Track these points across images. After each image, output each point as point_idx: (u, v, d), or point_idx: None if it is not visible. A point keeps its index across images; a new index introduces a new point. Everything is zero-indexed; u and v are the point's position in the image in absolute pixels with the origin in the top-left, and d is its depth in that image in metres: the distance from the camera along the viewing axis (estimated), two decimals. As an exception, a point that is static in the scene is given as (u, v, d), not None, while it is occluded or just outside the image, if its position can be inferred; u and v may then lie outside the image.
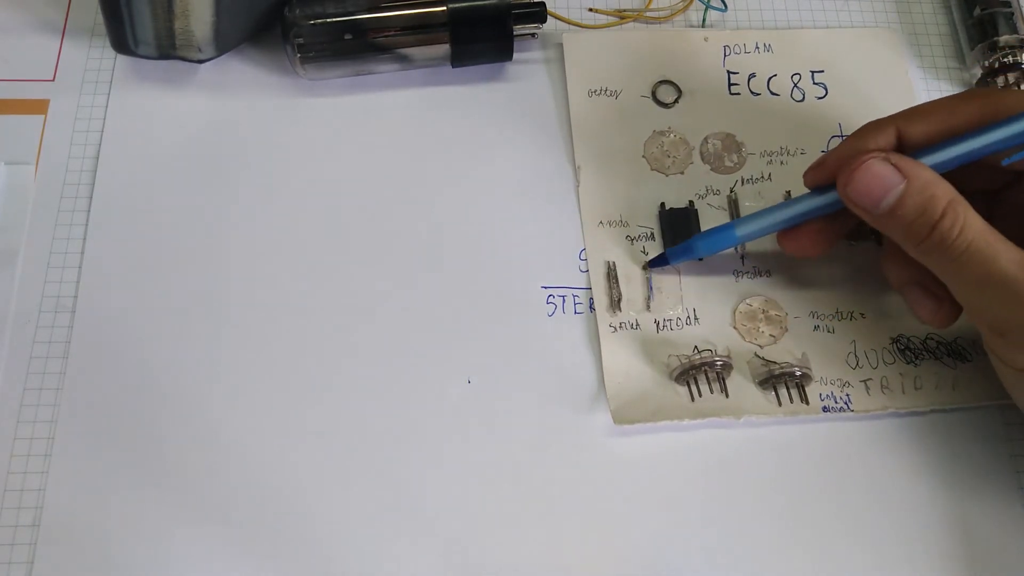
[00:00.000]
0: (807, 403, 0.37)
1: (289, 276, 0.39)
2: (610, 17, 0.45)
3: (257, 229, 0.39)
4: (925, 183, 0.31)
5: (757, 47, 0.44)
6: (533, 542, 0.35)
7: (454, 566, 0.34)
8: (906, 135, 0.33)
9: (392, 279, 0.39)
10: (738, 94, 0.43)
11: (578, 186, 0.41)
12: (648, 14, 0.45)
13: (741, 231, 0.36)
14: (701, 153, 0.41)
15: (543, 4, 0.41)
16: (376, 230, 0.40)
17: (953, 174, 0.32)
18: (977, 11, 0.43)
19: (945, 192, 0.31)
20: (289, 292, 0.38)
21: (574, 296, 0.39)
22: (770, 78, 0.43)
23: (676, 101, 0.43)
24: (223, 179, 0.40)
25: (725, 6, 0.45)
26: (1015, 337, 0.31)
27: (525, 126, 0.42)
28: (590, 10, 0.45)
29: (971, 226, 0.30)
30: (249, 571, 0.34)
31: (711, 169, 0.41)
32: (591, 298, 0.38)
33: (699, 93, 0.43)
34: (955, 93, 0.33)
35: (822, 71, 0.44)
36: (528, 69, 0.43)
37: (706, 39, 0.44)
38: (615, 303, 0.38)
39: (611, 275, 0.39)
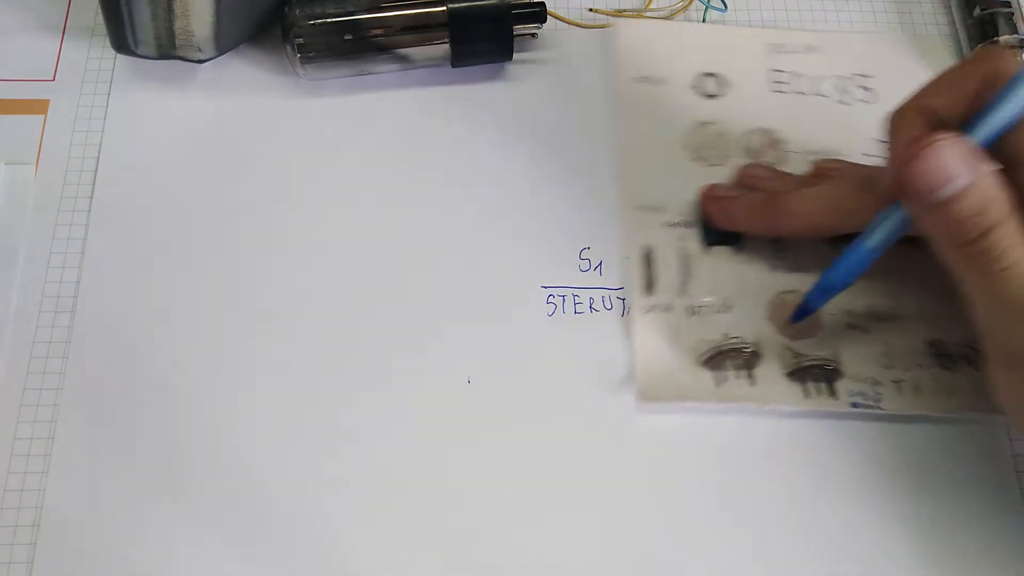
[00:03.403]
0: (835, 397, 0.37)
1: (289, 276, 0.39)
2: (609, 17, 0.45)
3: (257, 229, 0.39)
4: (991, 184, 0.28)
5: (804, 47, 0.44)
6: (542, 540, 0.35)
7: (454, 566, 0.34)
8: (936, 110, 0.31)
9: (391, 279, 0.39)
10: (782, 92, 0.43)
11: (618, 169, 0.41)
12: (647, 14, 0.45)
13: (872, 242, 0.33)
14: (742, 148, 0.42)
15: (543, 4, 0.41)
16: (376, 230, 0.40)
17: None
18: (977, 11, 0.43)
19: (1007, 197, 0.28)
20: (289, 292, 0.38)
21: (574, 296, 0.39)
22: (816, 79, 0.43)
23: (720, 94, 0.43)
24: (223, 179, 0.40)
25: (725, 6, 0.45)
26: None
27: (525, 126, 0.42)
28: (590, 10, 0.45)
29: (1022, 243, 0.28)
30: (249, 571, 0.34)
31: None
32: (597, 297, 0.39)
33: (743, 88, 0.43)
34: (962, 60, 0.32)
35: (870, 76, 0.43)
36: (528, 69, 0.43)
37: (754, 36, 0.44)
38: (649, 285, 0.38)
39: (647, 258, 0.39)
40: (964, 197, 0.28)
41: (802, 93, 0.43)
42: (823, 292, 0.36)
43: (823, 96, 0.43)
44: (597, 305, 0.39)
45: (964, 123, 0.30)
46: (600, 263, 0.39)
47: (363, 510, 0.35)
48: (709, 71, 0.43)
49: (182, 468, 0.35)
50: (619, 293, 0.39)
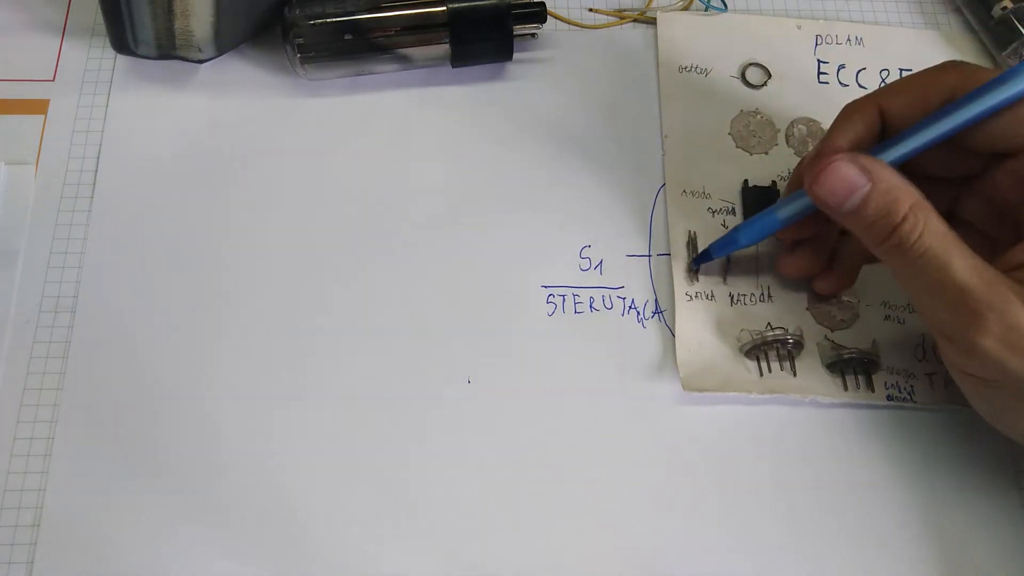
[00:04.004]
0: (872, 390, 0.37)
1: (289, 276, 0.39)
2: (610, 17, 0.45)
3: (257, 229, 0.39)
4: (889, 186, 0.31)
5: (848, 39, 0.44)
6: (543, 539, 0.35)
7: (457, 566, 0.34)
8: (886, 110, 0.34)
9: (390, 279, 0.39)
10: (827, 83, 0.44)
11: (664, 155, 0.41)
12: (648, 14, 0.45)
13: (783, 214, 0.36)
14: (786, 136, 0.42)
15: (543, 4, 0.41)
16: (375, 230, 0.40)
17: (923, 160, 0.33)
18: (1000, 9, 0.43)
19: (908, 196, 0.31)
20: (289, 292, 0.38)
21: (574, 296, 0.39)
22: (859, 71, 0.44)
23: (765, 84, 0.43)
24: (223, 179, 0.40)
25: (725, 6, 0.45)
26: (956, 342, 0.31)
27: (525, 127, 0.42)
28: (590, 10, 0.45)
29: (930, 231, 0.30)
30: (249, 571, 0.34)
31: (795, 153, 0.42)
32: (597, 296, 0.39)
33: (788, 78, 0.43)
34: (933, 65, 0.34)
35: (911, 69, 0.44)
36: (528, 69, 0.43)
37: (799, 27, 0.45)
38: (692, 272, 0.39)
39: (691, 244, 0.39)
40: (868, 203, 0.31)
41: (845, 84, 0.43)
42: (726, 245, 0.38)
43: (864, 88, 0.43)
44: (597, 304, 0.39)
45: (909, 125, 0.33)
46: (600, 262, 0.39)
47: (363, 511, 0.35)
48: (755, 61, 0.44)
49: (181, 467, 0.35)
50: (619, 292, 0.39)
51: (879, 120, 0.34)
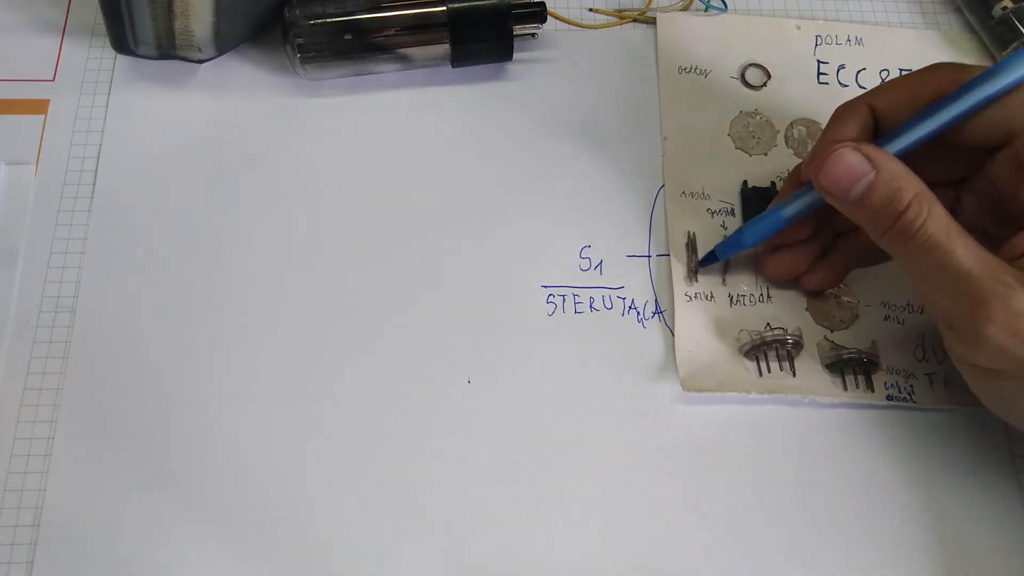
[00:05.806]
0: (872, 390, 0.37)
1: (289, 276, 0.39)
2: (610, 17, 0.45)
3: (257, 229, 0.39)
4: (893, 174, 0.31)
5: (848, 39, 0.44)
6: (535, 539, 0.35)
7: (455, 565, 0.34)
8: (877, 109, 0.34)
9: (390, 279, 0.39)
10: (826, 84, 0.43)
11: (663, 156, 0.41)
12: (648, 14, 0.45)
13: (787, 212, 0.36)
14: (786, 137, 0.42)
15: (543, 4, 0.41)
16: (376, 230, 0.40)
17: (921, 164, 0.33)
18: (1000, 9, 0.43)
19: (912, 184, 0.31)
20: (290, 292, 0.38)
21: (574, 296, 0.39)
22: (859, 71, 0.44)
23: (764, 84, 0.43)
24: (223, 179, 0.40)
25: (725, 6, 0.45)
26: (961, 331, 0.31)
27: (525, 126, 0.42)
28: (590, 10, 0.45)
29: (934, 219, 0.31)
30: (250, 571, 0.34)
31: (794, 154, 0.42)
32: (597, 296, 0.39)
33: (788, 79, 0.43)
34: (922, 67, 0.35)
35: (911, 70, 0.43)
36: (528, 69, 0.43)
37: (798, 27, 0.45)
38: (692, 273, 0.39)
39: (690, 245, 0.39)
40: (874, 190, 0.31)
41: (845, 85, 0.43)
42: (731, 246, 0.38)
43: (864, 89, 0.43)
44: (597, 304, 0.39)
45: (901, 123, 0.33)
46: (600, 262, 0.39)
47: (364, 511, 0.35)
48: (754, 62, 0.44)
49: (181, 468, 0.35)
50: (619, 292, 0.39)
51: (871, 119, 0.34)
